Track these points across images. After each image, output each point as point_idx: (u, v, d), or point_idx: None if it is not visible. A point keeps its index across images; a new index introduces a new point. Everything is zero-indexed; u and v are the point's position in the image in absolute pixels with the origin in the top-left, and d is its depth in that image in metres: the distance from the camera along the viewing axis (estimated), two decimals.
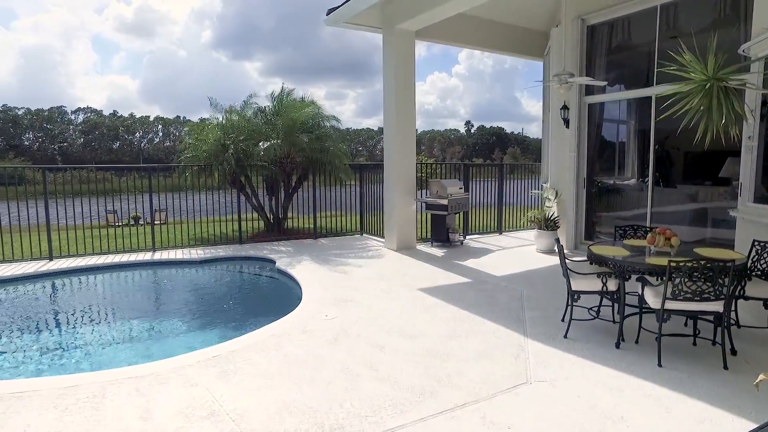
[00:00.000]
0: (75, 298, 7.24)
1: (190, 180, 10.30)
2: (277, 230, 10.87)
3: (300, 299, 5.96)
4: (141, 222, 13.26)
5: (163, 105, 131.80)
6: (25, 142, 77.64)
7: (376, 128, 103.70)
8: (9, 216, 8.93)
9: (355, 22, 8.88)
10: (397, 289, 6.30)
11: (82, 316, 6.13)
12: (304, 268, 7.57)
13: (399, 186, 9.08)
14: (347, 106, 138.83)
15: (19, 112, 78.99)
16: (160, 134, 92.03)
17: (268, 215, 11.11)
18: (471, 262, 8.04)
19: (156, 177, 9.71)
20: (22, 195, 9.45)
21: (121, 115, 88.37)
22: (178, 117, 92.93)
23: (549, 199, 9.13)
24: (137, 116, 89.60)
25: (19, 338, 5.35)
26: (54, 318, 6.15)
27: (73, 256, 8.71)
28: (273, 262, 8.17)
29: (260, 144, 9.61)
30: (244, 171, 10.02)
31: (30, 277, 7.57)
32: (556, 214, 8.89)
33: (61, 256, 8.63)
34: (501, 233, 11.05)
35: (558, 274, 5.05)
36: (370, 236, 10.71)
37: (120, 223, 11.98)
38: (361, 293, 6.08)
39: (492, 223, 11.20)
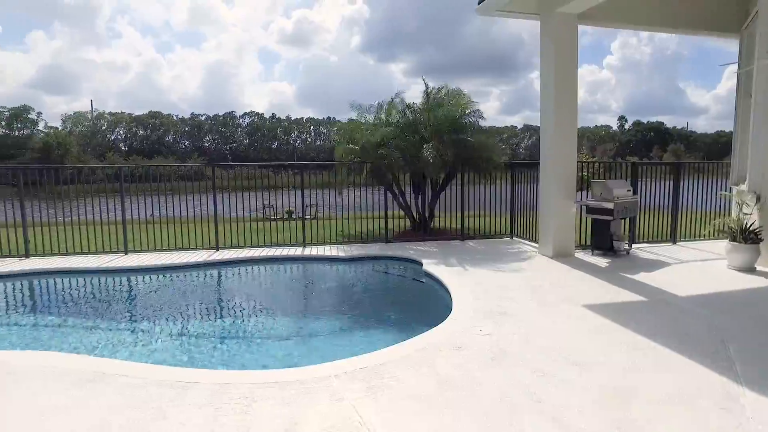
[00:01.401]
0: (233, 289, 7.73)
1: (341, 177, 10.59)
2: (423, 230, 10.63)
3: (448, 307, 5.56)
4: (294, 216, 14.09)
5: (315, 107, 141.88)
6: (206, 144, 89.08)
7: (520, 126, 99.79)
8: (186, 209, 9.91)
9: (508, 9, 8.21)
10: (558, 304, 5.58)
11: (239, 308, 6.45)
12: (452, 272, 7.16)
13: (557, 187, 8.21)
14: (490, 104, 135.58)
15: (202, 118, 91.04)
16: (312, 134, 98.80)
17: (414, 214, 10.93)
18: (643, 277, 6.91)
19: (308, 174, 10.08)
20: (200, 190, 10.48)
21: (279, 118, 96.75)
22: (328, 118, 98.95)
23: (747, 205, 7.52)
24: (293, 118, 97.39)
25: (179, 323, 5.76)
26: (213, 307, 6.58)
27: (235, 247, 9.40)
28: (419, 263, 7.89)
29: (423, 148, 9.41)
30: (391, 169, 9.92)
31: (199, 265, 8.27)
32: (757, 224, 7.28)
33: (225, 247, 9.37)
34: (675, 243, 9.49)
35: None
36: (522, 240, 9.93)
37: (276, 217, 12.83)
38: (517, 306, 5.48)
39: (664, 230, 9.68)
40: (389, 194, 10.29)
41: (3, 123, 78.41)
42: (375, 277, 8.26)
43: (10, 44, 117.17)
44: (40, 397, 3.38)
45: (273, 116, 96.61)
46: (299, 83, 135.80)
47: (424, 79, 10.89)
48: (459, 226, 10.35)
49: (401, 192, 10.72)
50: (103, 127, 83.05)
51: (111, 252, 9.00)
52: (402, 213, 10.91)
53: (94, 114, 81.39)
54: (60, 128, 77.82)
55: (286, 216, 13.25)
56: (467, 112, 10.34)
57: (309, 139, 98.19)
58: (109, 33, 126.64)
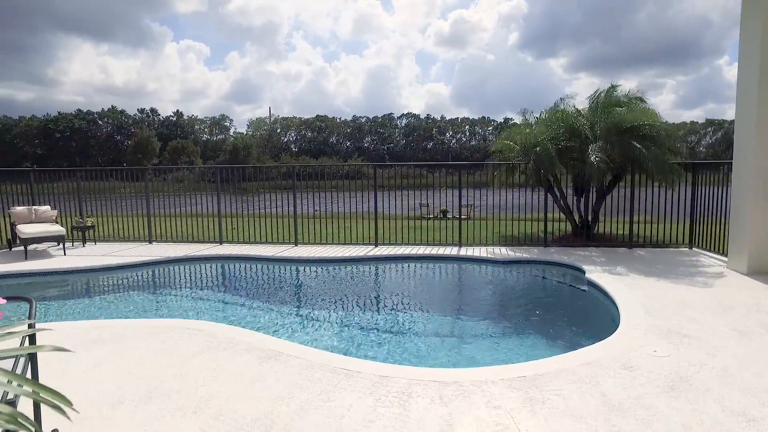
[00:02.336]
0: (391, 284, 8.02)
1: (498, 177, 10.39)
2: (585, 235, 9.90)
3: (615, 321, 5.08)
4: (449, 216, 14.19)
5: (471, 107, 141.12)
6: (365, 144, 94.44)
7: (701, 120, 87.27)
8: (347, 205, 10.60)
9: None
10: (758, 331, 4.73)
11: (395, 303, 6.67)
12: (619, 282, 6.53)
13: (756, 190, 6.98)
14: (664, 97, 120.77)
15: (362, 120, 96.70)
16: (467, 134, 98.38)
17: (576, 218, 10.23)
18: None
19: (464, 174, 10.03)
20: (360, 188, 11.13)
21: (434, 118, 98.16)
22: (483, 117, 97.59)
23: None
24: (447, 118, 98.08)
25: (341, 312, 6.14)
26: (372, 300, 6.90)
27: (393, 244, 9.78)
28: (582, 271, 7.36)
29: (589, 150, 8.79)
30: (552, 169, 9.40)
31: (360, 259, 8.78)
32: None
33: (383, 243, 9.80)
34: None
35: None
36: (704, 252, 8.67)
37: (431, 216, 13.05)
38: (701, 328, 4.78)
39: None
40: (549, 196, 9.77)
41: (206, 130, 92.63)
42: (532, 282, 7.92)
43: (215, 65, 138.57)
44: (232, 365, 3.88)
45: (429, 117, 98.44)
46: (455, 83, 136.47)
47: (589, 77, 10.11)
48: (626, 232, 9.41)
49: (562, 194, 10.11)
50: (278, 131, 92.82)
51: (283, 243, 10.01)
52: (562, 216, 10.29)
53: (272, 119, 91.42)
54: (245, 133, 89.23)
55: (440, 215, 13.41)
56: (645, 114, 9.26)
57: (464, 139, 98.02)
58: (287, 47, 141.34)
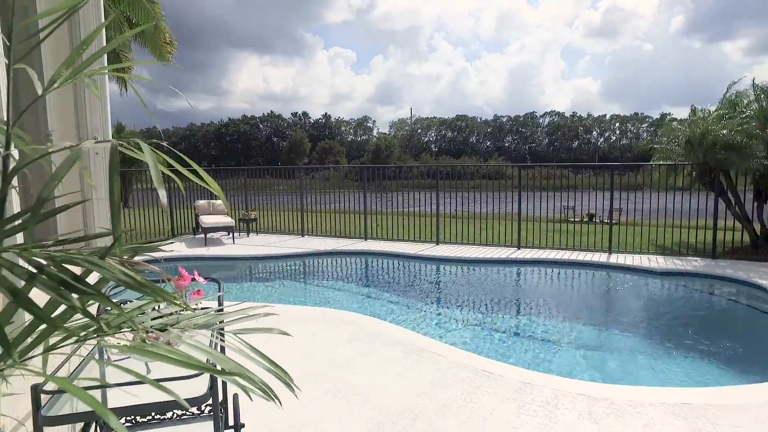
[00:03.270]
0: (534, 289, 7.74)
1: (657, 179, 9.45)
2: (766, 248, 8.55)
3: None
4: (595, 220, 13.30)
5: (622, 103, 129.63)
6: (506, 144, 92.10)
7: None
8: (488, 206, 10.44)
9: None
10: None
11: (538, 309, 6.44)
12: None
13: None
14: None
15: (503, 120, 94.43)
16: (617, 132, 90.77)
17: (756, 228, 8.87)
18: None
19: (617, 175, 9.27)
20: (500, 189, 10.92)
21: (580, 116, 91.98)
22: (636, 114, 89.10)
23: None
24: (594, 116, 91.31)
25: (483, 314, 6.08)
26: (515, 304, 6.73)
27: (536, 247, 9.43)
28: (765, 290, 6.38)
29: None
30: (725, 170, 8.28)
31: (502, 261, 8.62)
32: None
33: (526, 246, 9.50)
34: None
35: None
36: None
37: (576, 219, 12.32)
38: None
39: None
40: (720, 201, 8.59)
41: (351, 131, 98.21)
42: (698, 298, 7.06)
43: (361, 69, 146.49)
44: (377, 357, 4.10)
45: (574, 114, 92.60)
46: (605, 78, 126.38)
47: None
48: None
49: (738, 199, 8.82)
50: (419, 131, 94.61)
51: (425, 241, 10.23)
52: (736, 224, 8.98)
53: (412, 119, 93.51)
54: (387, 133, 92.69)
55: (586, 219, 12.61)
56: None
57: (613, 138, 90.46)
58: (428, 48, 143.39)
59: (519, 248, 9.39)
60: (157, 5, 10.07)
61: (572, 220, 12.72)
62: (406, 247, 9.67)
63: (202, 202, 11.13)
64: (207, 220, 10.32)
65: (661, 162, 9.25)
